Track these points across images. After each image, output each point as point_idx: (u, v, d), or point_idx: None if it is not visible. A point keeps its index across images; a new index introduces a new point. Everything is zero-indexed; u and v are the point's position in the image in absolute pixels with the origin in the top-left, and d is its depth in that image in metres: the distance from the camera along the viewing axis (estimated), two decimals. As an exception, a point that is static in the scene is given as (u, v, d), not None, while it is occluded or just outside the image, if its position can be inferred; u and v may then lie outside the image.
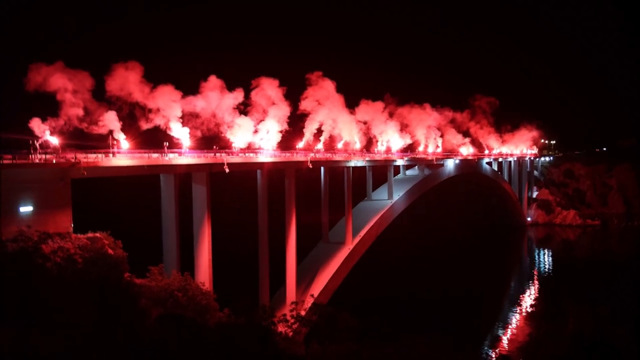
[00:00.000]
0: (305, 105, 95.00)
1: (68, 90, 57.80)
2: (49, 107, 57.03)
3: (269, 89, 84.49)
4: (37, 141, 52.94)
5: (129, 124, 65.13)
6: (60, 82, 57.46)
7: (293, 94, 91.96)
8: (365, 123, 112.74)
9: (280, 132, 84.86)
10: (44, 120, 55.31)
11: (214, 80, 77.25)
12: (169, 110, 69.51)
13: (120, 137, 62.70)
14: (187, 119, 73.15)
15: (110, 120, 61.57)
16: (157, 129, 69.50)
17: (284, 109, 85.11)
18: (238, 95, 79.70)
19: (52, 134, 54.92)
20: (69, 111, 57.79)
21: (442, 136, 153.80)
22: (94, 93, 61.26)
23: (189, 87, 75.74)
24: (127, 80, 65.53)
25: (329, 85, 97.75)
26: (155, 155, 65.01)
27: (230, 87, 79.22)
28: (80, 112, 58.79)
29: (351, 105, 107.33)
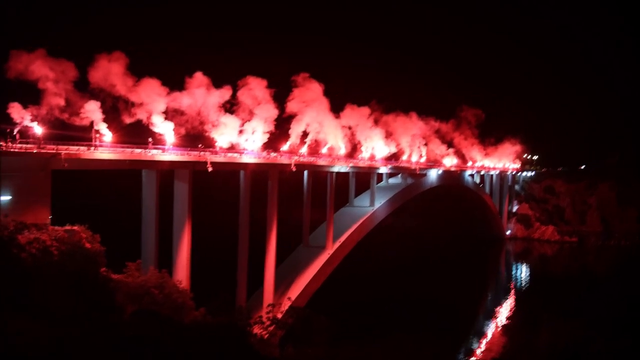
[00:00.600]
0: (291, 106, 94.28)
1: (50, 79, 57.24)
2: (30, 95, 56.47)
3: (256, 89, 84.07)
4: (16, 127, 52.40)
5: (112, 117, 64.45)
6: (42, 70, 56.93)
7: (281, 95, 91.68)
8: (350, 128, 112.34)
9: (267, 132, 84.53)
10: (25, 106, 54.68)
11: (199, 77, 76.41)
12: (153, 104, 68.83)
13: (103, 129, 62.17)
14: (172, 115, 72.30)
15: (92, 112, 60.97)
16: (140, 123, 68.91)
17: (271, 110, 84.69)
18: (225, 94, 79.04)
19: (33, 122, 54.37)
20: (51, 100, 57.24)
21: (426, 144, 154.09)
22: (77, 84, 60.73)
23: (175, 83, 75.04)
24: (110, 72, 64.76)
25: (316, 88, 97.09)
26: (138, 150, 64.66)
27: (218, 85, 78.57)
28: (62, 102, 58.25)
29: (336, 109, 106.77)
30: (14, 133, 52.00)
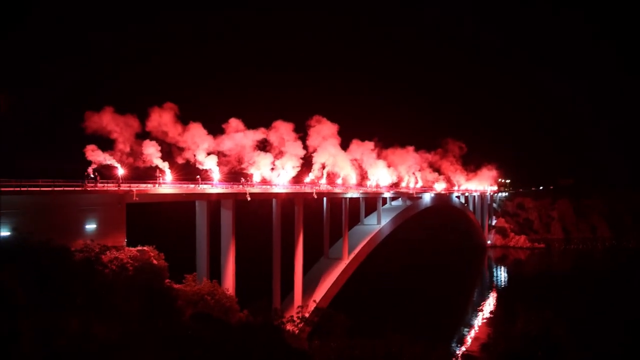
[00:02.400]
0: (311, 142, 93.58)
1: (117, 131, 58.77)
2: (102, 142, 57.81)
3: (284, 133, 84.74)
4: (94, 166, 53.49)
5: (168, 158, 65.61)
6: (111, 126, 58.43)
7: (302, 129, 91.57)
8: (356, 160, 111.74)
9: (294, 167, 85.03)
10: (104, 150, 55.90)
11: (234, 122, 77.30)
12: (198, 148, 70.17)
13: (165, 168, 63.29)
14: (217, 155, 73.46)
15: (152, 155, 62.20)
16: (189, 162, 70.07)
17: (296, 149, 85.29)
18: (258, 135, 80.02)
19: (111, 163, 55.54)
20: (120, 148, 58.64)
21: (420, 170, 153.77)
22: (140, 132, 62.23)
23: (215, 123, 75.93)
24: (162, 122, 66.19)
25: (329, 127, 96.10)
26: (192, 186, 65.60)
27: (250, 126, 79.29)
28: (127, 149, 59.58)
29: (343, 143, 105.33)
30: (95, 174, 53.14)
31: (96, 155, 54.82)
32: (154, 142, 63.06)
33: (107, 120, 58.25)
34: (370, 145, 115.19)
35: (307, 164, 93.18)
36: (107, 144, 58.14)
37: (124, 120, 59.60)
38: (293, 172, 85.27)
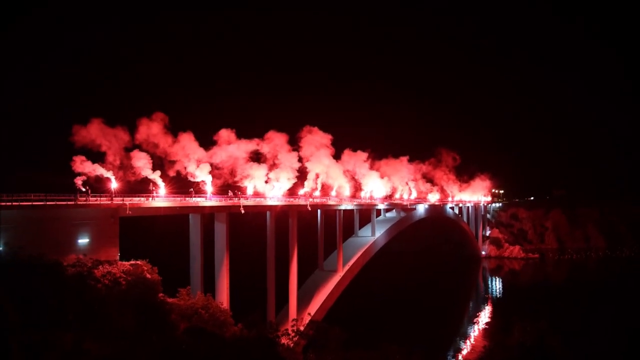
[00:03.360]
0: (304, 153, 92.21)
1: (108, 145, 58.37)
2: (94, 155, 57.32)
3: (278, 144, 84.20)
4: (83, 178, 52.90)
5: (159, 170, 64.84)
6: (99, 140, 57.99)
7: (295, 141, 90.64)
8: (348, 171, 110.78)
9: (288, 179, 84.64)
10: (93, 161, 55.28)
11: (225, 133, 76.28)
12: (189, 160, 69.63)
13: (158, 181, 62.91)
14: (210, 167, 72.87)
15: (142, 169, 61.66)
16: (180, 174, 69.44)
17: (291, 161, 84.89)
18: (251, 146, 79.34)
19: (98, 174, 54.97)
20: (110, 160, 58.22)
21: (414, 180, 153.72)
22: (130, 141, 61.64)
23: (206, 133, 74.78)
24: (151, 133, 65.28)
25: (322, 137, 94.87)
26: (186, 199, 65.36)
27: (242, 135, 78.21)
28: (117, 161, 59.11)
29: (338, 152, 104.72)
30: (86, 188, 52.71)
31: (85, 167, 54.14)
32: (144, 154, 62.49)
33: (96, 134, 57.68)
34: (363, 155, 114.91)
35: (301, 175, 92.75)
36: (97, 156, 57.74)
37: (113, 133, 59.17)
38: (288, 185, 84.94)
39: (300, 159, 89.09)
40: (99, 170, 55.06)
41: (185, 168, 69.44)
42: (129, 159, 60.75)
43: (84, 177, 53.45)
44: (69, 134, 57.11)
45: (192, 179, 69.69)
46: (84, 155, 54.98)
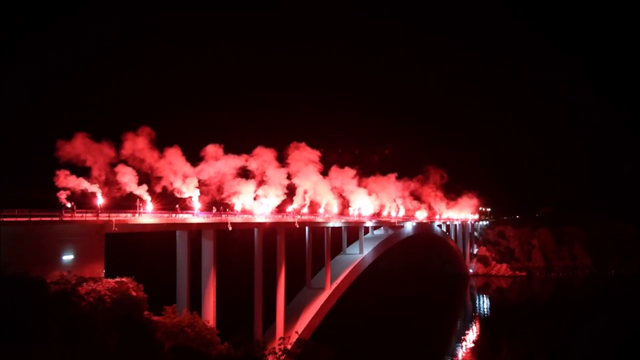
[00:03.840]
0: (291, 169, 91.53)
1: (93, 160, 57.87)
2: (78, 170, 56.65)
3: (266, 160, 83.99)
4: (67, 193, 52.27)
5: (145, 186, 64.20)
6: (84, 156, 57.46)
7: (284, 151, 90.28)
8: (335, 188, 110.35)
9: (277, 196, 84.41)
10: (78, 175, 54.56)
11: (212, 149, 75.86)
12: (176, 177, 69.20)
13: (145, 196, 62.41)
14: (197, 184, 72.46)
15: (128, 184, 61.12)
16: (167, 190, 68.88)
17: (280, 178, 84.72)
18: (239, 162, 79.17)
19: (83, 188, 54.38)
20: (95, 175, 57.68)
21: (402, 198, 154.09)
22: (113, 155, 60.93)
23: (192, 146, 74.02)
24: (137, 148, 64.59)
25: (310, 154, 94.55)
26: (173, 215, 64.96)
27: (230, 148, 77.66)
28: (103, 176, 58.56)
29: (327, 168, 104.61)
30: (72, 204, 52.12)
31: (69, 181, 53.47)
32: (129, 169, 61.84)
33: (80, 149, 57.09)
34: (351, 172, 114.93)
35: (289, 192, 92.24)
36: (82, 171, 56.91)
37: (98, 148, 58.59)
38: (276, 201, 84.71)
39: (288, 176, 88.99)
40: (83, 184, 54.35)
41: (171, 184, 68.97)
42: (114, 174, 60.19)
43: (69, 192, 52.82)
44: (53, 149, 56.59)
45: (178, 195, 69.25)
46: (68, 170, 54.41)
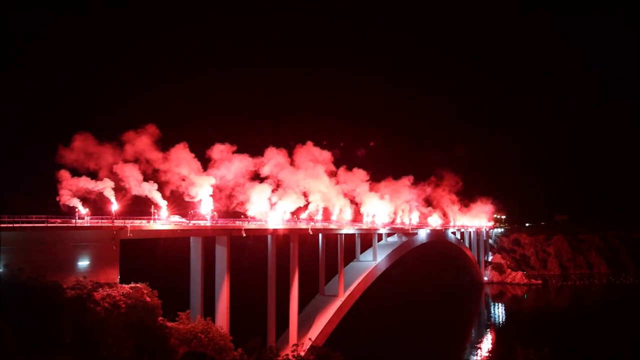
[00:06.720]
0: (302, 170, 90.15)
1: (97, 164, 58.19)
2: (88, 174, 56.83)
3: (280, 163, 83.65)
4: (70, 195, 52.49)
5: (158, 192, 64.18)
6: (88, 162, 57.81)
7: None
8: (346, 194, 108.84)
9: (293, 202, 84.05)
10: (80, 176, 54.70)
11: (219, 147, 75.41)
12: (191, 181, 69.02)
13: (159, 202, 62.54)
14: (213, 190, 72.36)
15: (141, 189, 61.17)
16: (180, 193, 68.83)
17: (295, 182, 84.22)
18: (250, 164, 78.79)
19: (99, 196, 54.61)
20: (104, 176, 57.92)
21: (414, 200, 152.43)
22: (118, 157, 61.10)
23: (202, 146, 73.46)
24: (142, 149, 64.70)
25: (320, 155, 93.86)
26: (188, 222, 65.14)
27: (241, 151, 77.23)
28: (114, 181, 58.68)
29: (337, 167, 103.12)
30: (86, 211, 52.43)
31: (78, 183, 53.64)
32: (137, 172, 61.96)
33: (83, 154, 57.46)
34: (361, 174, 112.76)
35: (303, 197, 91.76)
36: (91, 175, 57.21)
37: (101, 150, 59.03)
38: (292, 207, 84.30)
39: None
40: (88, 184, 54.36)
41: (180, 187, 68.57)
42: (120, 179, 60.14)
43: (71, 196, 52.92)
44: (59, 155, 56.93)
45: (189, 199, 69.12)
46: (76, 175, 54.68)
